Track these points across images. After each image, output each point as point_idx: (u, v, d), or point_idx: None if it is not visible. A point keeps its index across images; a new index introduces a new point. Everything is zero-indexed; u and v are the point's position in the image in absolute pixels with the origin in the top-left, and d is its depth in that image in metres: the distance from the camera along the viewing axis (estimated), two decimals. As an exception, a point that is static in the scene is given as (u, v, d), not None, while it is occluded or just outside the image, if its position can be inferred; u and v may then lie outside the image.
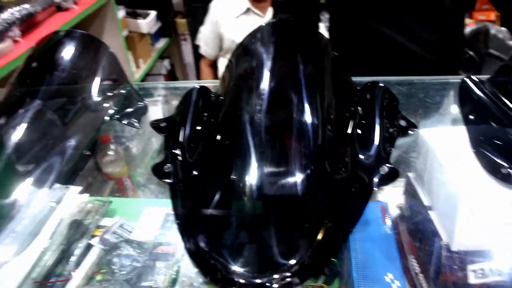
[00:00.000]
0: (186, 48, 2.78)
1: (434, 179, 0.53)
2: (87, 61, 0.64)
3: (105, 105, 0.61)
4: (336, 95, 0.52)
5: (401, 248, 0.61)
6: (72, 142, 0.58)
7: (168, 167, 0.49)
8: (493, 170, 0.45)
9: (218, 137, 0.48)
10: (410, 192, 0.62)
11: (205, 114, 0.54)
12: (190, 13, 2.48)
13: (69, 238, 0.72)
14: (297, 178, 0.42)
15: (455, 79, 0.61)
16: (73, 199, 0.79)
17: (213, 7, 2.08)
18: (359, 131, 0.49)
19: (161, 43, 2.49)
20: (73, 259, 0.69)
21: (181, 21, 2.60)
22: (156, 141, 0.89)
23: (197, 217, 0.41)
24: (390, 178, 0.43)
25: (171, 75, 2.76)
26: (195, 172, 0.46)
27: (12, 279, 0.61)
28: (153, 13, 2.18)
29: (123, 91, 0.64)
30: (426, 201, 0.55)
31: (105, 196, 0.89)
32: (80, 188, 0.82)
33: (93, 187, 0.95)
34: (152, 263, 0.62)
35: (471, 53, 2.23)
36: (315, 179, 0.42)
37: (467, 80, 0.56)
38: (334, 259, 0.61)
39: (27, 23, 1.23)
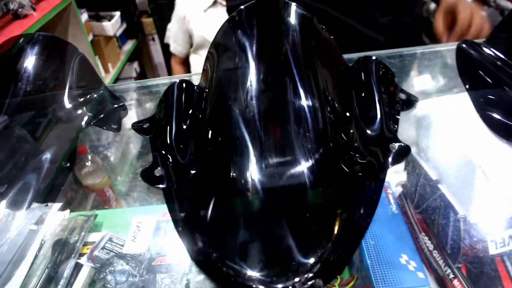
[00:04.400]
0: (155, 48, 2.71)
1: (441, 151, 0.50)
2: (55, 66, 0.58)
3: (80, 111, 0.56)
4: (331, 74, 0.49)
5: (410, 226, 0.58)
6: (47, 156, 0.52)
7: (158, 170, 0.44)
8: (505, 133, 0.42)
9: (211, 133, 0.44)
10: (413, 168, 0.59)
11: (191, 109, 0.49)
12: (155, 12, 2.40)
13: (55, 259, 0.67)
14: (304, 166, 0.38)
15: (445, 47, 0.58)
16: (54, 217, 0.74)
17: (178, 2, 2.01)
18: (361, 110, 0.46)
19: (129, 45, 2.41)
20: (62, 282, 0.63)
21: (147, 21, 2.52)
22: (134, 146, 0.85)
23: (200, 222, 0.37)
24: (402, 155, 0.40)
25: (141, 77, 2.68)
26: (190, 173, 0.41)
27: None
28: (117, 14, 2.10)
29: (98, 95, 0.58)
30: (434, 175, 0.52)
31: (87, 210, 0.84)
32: (60, 204, 0.76)
33: (74, 202, 0.90)
34: (152, 276, 0.57)
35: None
36: (324, 165, 0.38)
37: (463, 45, 0.53)
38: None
39: (-20, 36, 1.14)
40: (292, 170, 0.38)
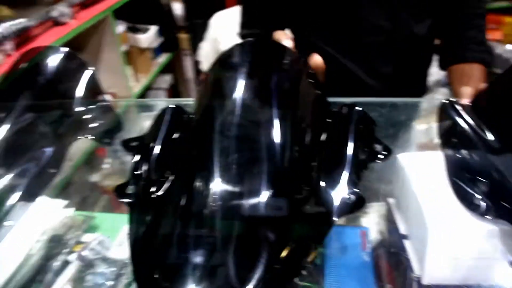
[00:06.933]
0: (188, 63, 2.80)
1: (409, 206, 0.52)
2: (65, 77, 0.64)
3: (77, 122, 0.61)
4: (308, 116, 0.52)
5: (379, 276, 0.59)
6: (43, 156, 0.57)
7: (130, 188, 0.48)
8: (466, 200, 0.44)
9: (184, 159, 0.47)
10: (389, 219, 0.61)
11: (176, 134, 0.54)
12: (191, 29, 2.50)
13: (47, 253, 0.71)
14: (257, 197, 0.40)
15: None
16: (57, 213, 0.79)
17: (213, 23, 2.10)
18: (329, 155, 0.48)
19: (163, 57, 2.51)
20: (49, 275, 0.68)
21: (184, 36, 2.62)
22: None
23: (150, 240, 0.40)
24: (355, 206, 0.42)
25: (173, 90, 2.77)
26: (155, 193, 0.45)
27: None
28: (153, 28, 2.20)
29: (98, 109, 0.64)
30: (402, 229, 0.54)
31: (98, 210, 0.88)
32: (65, 202, 0.81)
33: (88, 201, 0.94)
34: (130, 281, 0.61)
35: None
36: (276, 201, 0.41)
37: (447, 103, 0.55)
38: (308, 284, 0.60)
39: (22, 37, 1.25)
40: (246, 200, 0.40)
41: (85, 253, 0.71)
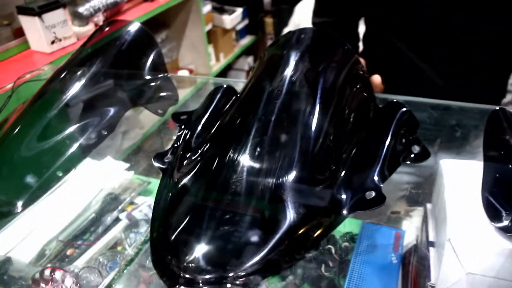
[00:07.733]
0: (272, 47, 2.82)
1: (439, 213, 0.50)
2: (136, 50, 0.70)
3: (137, 91, 0.66)
4: (349, 108, 0.51)
5: (405, 280, 0.57)
6: (100, 118, 0.62)
7: (168, 157, 0.51)
8: (494, 216, 0.41)
9: (220, 137, 0.49)
10: (424, 224, 0.58)
11: (223, 111, 0.56)
12: (276, 14, 2.51)
13: (103, 208, 0.78)
14: (276, 178, 0.41)
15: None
16: (118, 174, 0.86)
17: (298, 10, 2.09)
18: (361, 148, 0.47)
19: (247, 39, 2.56)
20: (101, 228, 0.75)
21: (269, 21, 2.65)
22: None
23: (171, 204, 0.43)
24: (374, 203, 0.41)
25: (253, 72, 2.81)
26: (187, 162, 0.48)
27: (41, 238, 0.68)
28: (239, 10, 2.25)
29: (159, 81, 0.69)
30: (431, 236, 0.52)
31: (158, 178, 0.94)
32: (127, 165, 0.89)
33: (152, 168, 1.01)
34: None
35: None
36: (295, 186, 0.41)
37: (497, 111, 0.50)
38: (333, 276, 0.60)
39: (113, 10, 1.37)
40: (264, 180, 0.41)
41: (134, 213, 0.77)
